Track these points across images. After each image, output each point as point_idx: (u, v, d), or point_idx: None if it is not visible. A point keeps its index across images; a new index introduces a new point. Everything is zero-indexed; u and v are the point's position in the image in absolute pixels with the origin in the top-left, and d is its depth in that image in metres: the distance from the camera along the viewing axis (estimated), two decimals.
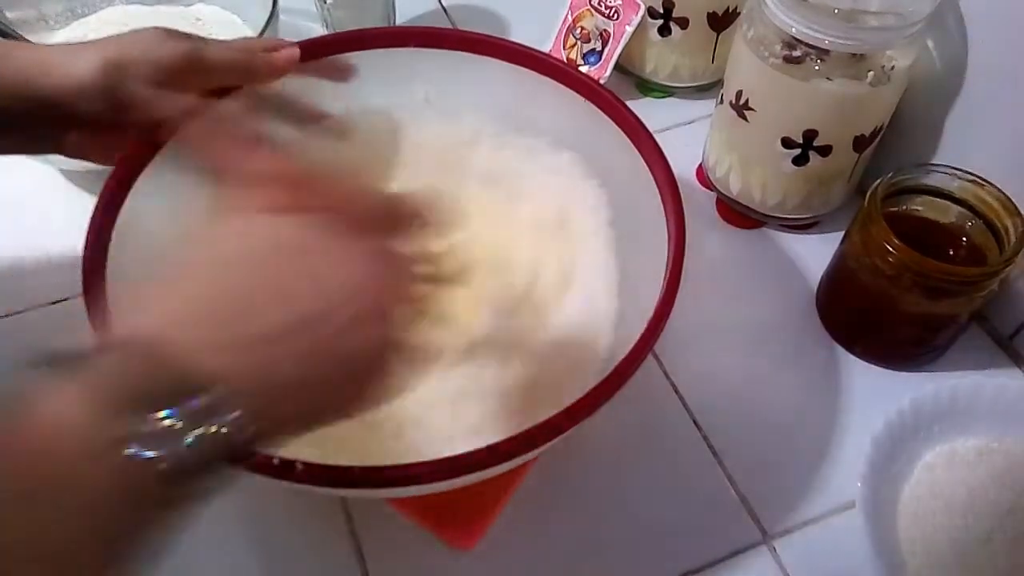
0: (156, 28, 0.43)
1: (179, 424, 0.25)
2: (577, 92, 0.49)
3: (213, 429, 0.25)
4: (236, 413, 0.26)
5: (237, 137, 0.39)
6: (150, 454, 0.24)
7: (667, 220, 0.43)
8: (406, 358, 0.33)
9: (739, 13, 0.64)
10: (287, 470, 0.34)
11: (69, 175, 0.63)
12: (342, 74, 0.50)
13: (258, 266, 0.30)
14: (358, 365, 0.31)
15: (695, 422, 0.52)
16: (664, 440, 0.51)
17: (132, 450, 0.24)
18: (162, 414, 0.25)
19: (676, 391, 0.53)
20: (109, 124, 0.42)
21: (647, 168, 0.46)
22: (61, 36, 0.66)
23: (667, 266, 0.41)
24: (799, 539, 0.48)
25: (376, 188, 0.35)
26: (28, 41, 0.59)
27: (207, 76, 0.44)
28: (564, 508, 0.48)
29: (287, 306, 0.29)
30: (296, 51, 0.46)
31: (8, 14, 0.64)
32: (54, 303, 0.56)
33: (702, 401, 0.53)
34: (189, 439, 0.25)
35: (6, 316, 0.56)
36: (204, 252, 0.31)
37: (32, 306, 0.56)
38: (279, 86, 0.48)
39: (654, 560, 0.47)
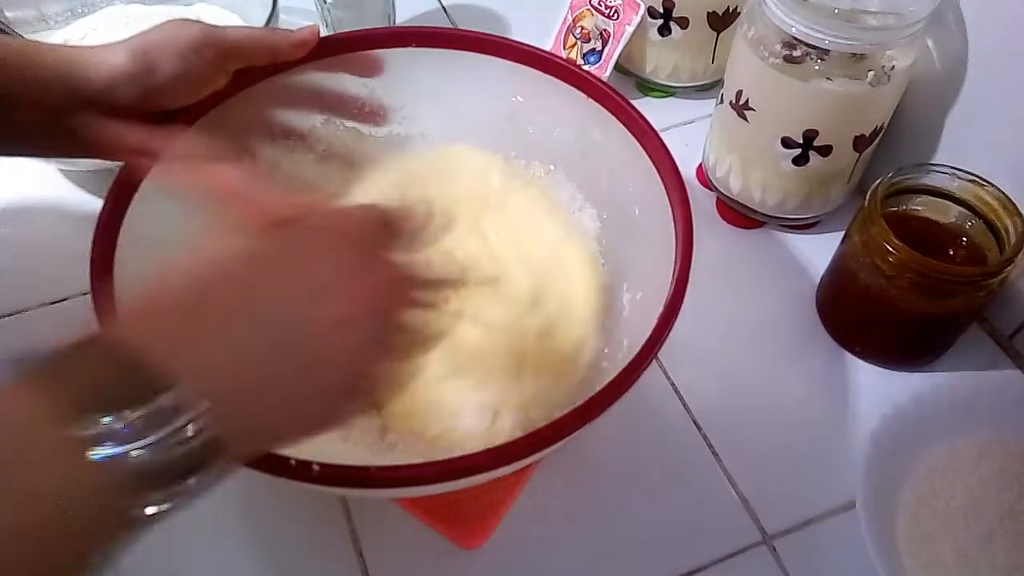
0: (178, 19, 0.44)
1: (142, 423, 0.24)
2: (584, 92, 0.49)
3: (178, 428, 0.25)
4: (201, 412, 0.26)
5: (217, 161, 0.40)
6: (117, 453, 0.24)
7: (675, 224, 0.42)
8: (399, 365, 0.33)
9: (739, 13, 0.64)
10: (303, 471, 0.34)
11: (69, 175, 0.63)
12: (370, 70, 0.50)
13: (233, 273, 0.30)
14: (334, 371, 0.31)
15: (695, 422, 0.52)
16: (664, 440, 0.51)
17: (100, 449, 0.24)
18: (125, 413, 0.24)
19: (676, 391, 0.53)
20: (141, 114, 0.43)
21: (654, 169, 0.45)
22: (61, 36, 0.66)
23: (673, 271, 0.40)
24: (799, 539, 0.48)
25: (364, 205, 0.36)
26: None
27: (230, 54, 0.45)
28: (565, 508, 0.48)
29: (261, 311, 0.29)
30: (316, 28, 0.47)
31: (8, 14, 0.64)
32: (56, 302, 0.56)
33: (702, 401, 0.53)
34: (154, 438, 0.24)
35: (8, 316, 0.56)
36: (181, 263, 0.31)
37: (33, 305, 0.56)
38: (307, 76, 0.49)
39: (654, 560, 0.47)
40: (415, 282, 0.34)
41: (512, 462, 0.36)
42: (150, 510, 0.25)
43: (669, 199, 0.43)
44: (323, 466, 0.34)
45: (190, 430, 0.25)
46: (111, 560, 0.25)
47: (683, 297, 0.39)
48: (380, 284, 0.33)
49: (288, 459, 0.34)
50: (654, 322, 0.39)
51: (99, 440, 0.24)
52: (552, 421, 0.36)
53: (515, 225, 0.54)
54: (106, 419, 0.24)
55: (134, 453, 0.24)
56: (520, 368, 0.48)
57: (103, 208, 0.42)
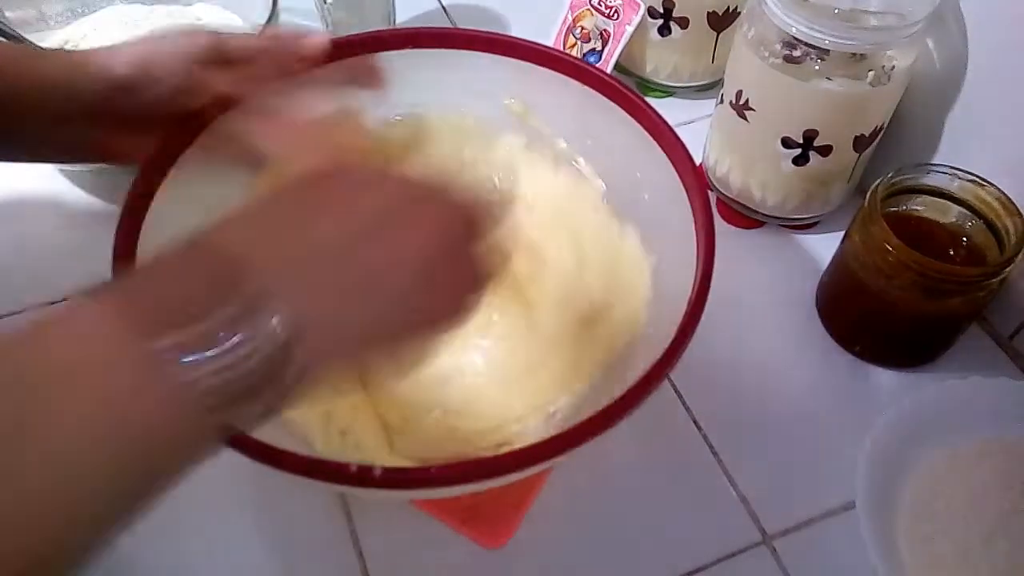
0: (186, 28, 0.44)
1: (219, 331, 0.24)
2: (590, 86, 0.48)
3: (254, 333, 0.25)
4: (275, 318, 0.25)
5: (288, 117, 0.41)
6: (189, 364, 0.23)
7: (696, 226, 0.42)
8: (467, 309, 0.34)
9: (739, 13, 0.64)
10: (366, 476, 0.33)
11: (69, 175, 0.63)
12: (372, 81, 0.50)
13: (326, 197, 0.31)
14: (403, 278, 0.31)
15: (695, 422, 0.52)
16: (664, 440, 0.51)
17: (175, 359, 0.23)
18: (203, 320, 0.24)
19: (676, 391, 0.53)
20: (145, 122, 0.43)
21: (672, 168, 0.45)
22: (61, 36, 0.66)
23: (695, 281, 0.40)
24: (799, 539, 0.48)
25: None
26: (29, 41, 0.59)
27: (234, 66, 0.44)
28: (563, 509, 0.48)
29: (347, 229, 0.30)
30: (326, 39, 0.46)
31: (8, 14, 0.64)
32: (53, 303, 0.56)
33: (702, 401, 0.53)
34: (228, 345, 0.24)
35: (5, 316, 0.56)
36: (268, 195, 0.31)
37: (31, 306, 0.56)
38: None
39: (654, 560, 0.47)
40: (476, 216, 0.34)
41: (540, 462, 0.35)
42: (234, 420, 0.25)
43: (687, 190, 0.43)
44: (386, 470, 0.33)
45: (269, 332, 0.25)
46: (192, 470, 0.25)
47: (707, 296, 0.39)
48: (447, 211, 0.33)
49: (348, 465, 0.33)
50: (677, 322, 0.38)
51: (179, 351, 0.24)
52: (577, 423, 0.35)
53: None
54: (174, 329, 0.24)
55: (212, 359, 0.24)
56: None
57: (124, 202, 0.41)
